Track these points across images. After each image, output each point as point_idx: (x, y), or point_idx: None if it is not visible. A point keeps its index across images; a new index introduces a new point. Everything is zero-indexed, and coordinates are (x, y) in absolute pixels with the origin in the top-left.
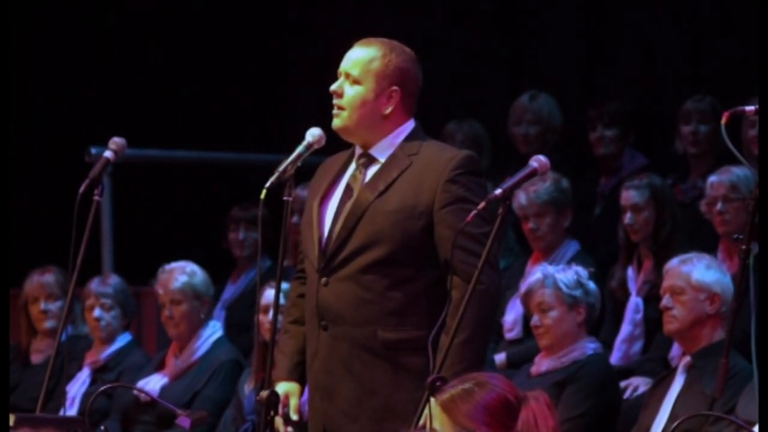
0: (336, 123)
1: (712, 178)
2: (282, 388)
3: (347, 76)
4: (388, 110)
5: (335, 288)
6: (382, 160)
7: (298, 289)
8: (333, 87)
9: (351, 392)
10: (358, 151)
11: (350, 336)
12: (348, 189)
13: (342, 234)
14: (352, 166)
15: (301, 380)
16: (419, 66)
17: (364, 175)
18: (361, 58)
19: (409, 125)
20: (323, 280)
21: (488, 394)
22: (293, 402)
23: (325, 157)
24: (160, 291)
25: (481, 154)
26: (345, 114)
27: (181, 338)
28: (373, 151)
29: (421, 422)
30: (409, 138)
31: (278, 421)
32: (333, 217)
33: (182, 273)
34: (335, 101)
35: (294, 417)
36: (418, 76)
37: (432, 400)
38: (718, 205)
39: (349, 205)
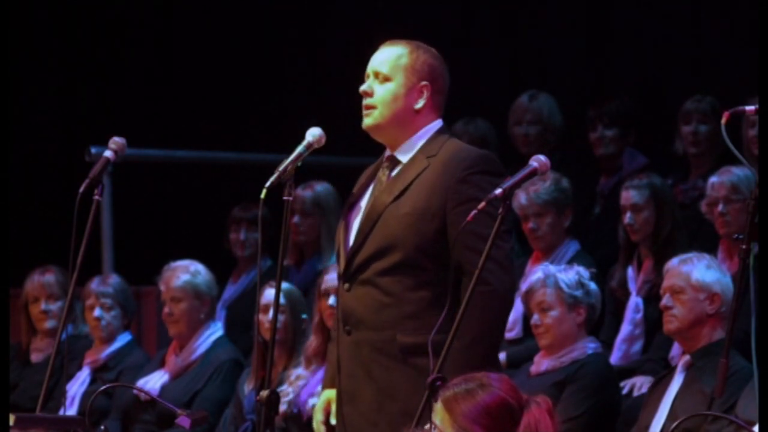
0: (367, 121)
1: (713, 179)
2: (325, 394)
3: (376, 75)
4: (420, 105)
5: (356, 292)
6: (404, 161)
7: None
8: (363, 87)
9: (371, 397)
10: (386, 153)
11: (370, 340)
12: (373, 193)
13: (358, 239)
14: (380, 171)
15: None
16: (446, 65)
17: (388, 178)
18: (390, 55)
19: (436, 125)
20: (346, 285)
21: (489, 396)
22: (334, 408)
23: (325, 157)
24: (162, 288)
25: None
26: (377, 112)
27: (181, 336)
28: (398, 153)
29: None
30: (433, 138)
31: (321, 428)
32: (358, 223)
33: (185, 272)
34: (365, 101)
35: (334, 422)
36: (445, 75)
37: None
38: (720, 206)
39: (366, 209)
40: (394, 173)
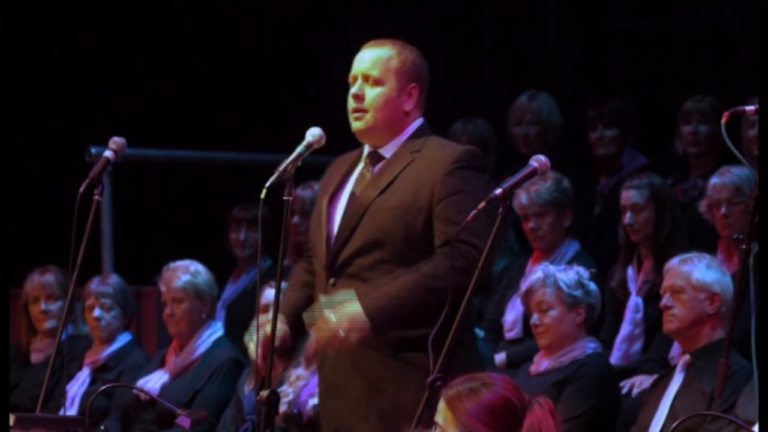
0: (359, 125)
1: (714, 180)
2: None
3: (366, 78)
4: (410, 107)
5: (343, 287)
6: (387, 156)
7: (304, 265)
8: (353, 90)
9: (360, 391)
10: (367, 149)
11: None
12: (355, 187)
13: (345, 233)
14: (361, 165)
15: (291, 320)
16: (426, 62)
17: (371, 173)
18: (378, 57)
19: (417, 123)
20: (331, 280)
21: (493, 395)
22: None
23: (325, 157)
24: (163, 288)
25: (487, 155)
26: (369, 116)
27: (182, 336)
28: (382, 150)
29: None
30: (415, 135)
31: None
32: (341, 217)
33: (186, 272)
34: (356, 105)
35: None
36: (427, 72)
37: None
38: (723, 209)
39: (351, 204)
40: (376, 169)
